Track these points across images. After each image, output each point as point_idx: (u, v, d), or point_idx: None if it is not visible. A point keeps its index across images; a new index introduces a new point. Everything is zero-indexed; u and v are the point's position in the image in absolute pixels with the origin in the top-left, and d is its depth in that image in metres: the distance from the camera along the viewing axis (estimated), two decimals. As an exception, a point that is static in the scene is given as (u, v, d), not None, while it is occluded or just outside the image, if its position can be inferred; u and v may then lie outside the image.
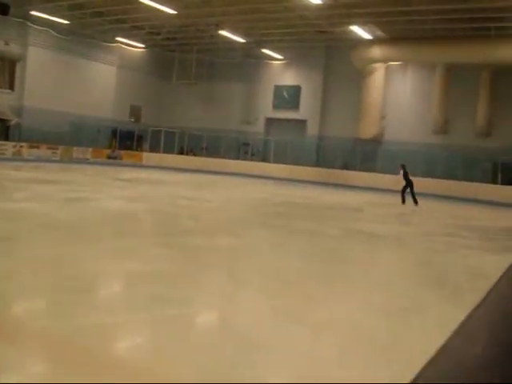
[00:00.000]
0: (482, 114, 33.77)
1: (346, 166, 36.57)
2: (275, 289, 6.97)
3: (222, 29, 33.67)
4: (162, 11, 30.20)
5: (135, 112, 43.94)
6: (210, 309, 6.08)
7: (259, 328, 5.26)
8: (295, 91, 41.02)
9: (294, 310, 6.02)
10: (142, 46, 42.25)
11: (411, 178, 23.25)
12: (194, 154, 42.23)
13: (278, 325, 5.43)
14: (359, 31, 31.51)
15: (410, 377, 4.00)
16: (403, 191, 23.26)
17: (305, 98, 40.59)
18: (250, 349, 4.65)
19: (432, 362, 1.86)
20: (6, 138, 34.28)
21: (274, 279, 7.54)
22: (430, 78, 35.39)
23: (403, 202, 23.11)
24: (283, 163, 37.50)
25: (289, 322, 5.54)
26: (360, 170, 35.23)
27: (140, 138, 42.79)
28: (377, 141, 36.68)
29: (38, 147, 33.95)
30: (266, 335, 5.06)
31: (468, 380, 1.70)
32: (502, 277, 5.16)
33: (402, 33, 32.79)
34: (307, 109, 40.32)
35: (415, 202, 22.78)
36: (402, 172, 23.40)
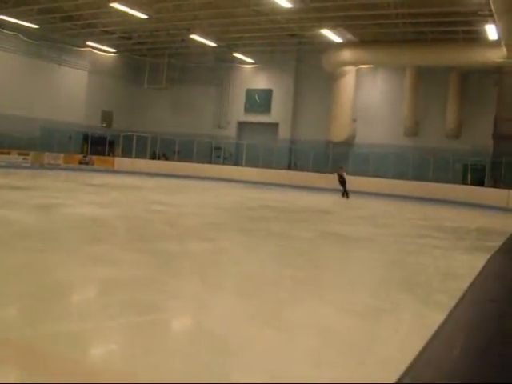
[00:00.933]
0: (451, 116, 34.20)
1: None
2: (249, 293, 7.00)
3: (194, 33, 33.64)
4: (133, 16, 30.07)
5: (107, 117, 43.66)
6: (185, 314, 6.09)
7: (233, 332, 5.27)
8: (267, 95, 41.10)
9: (268, 313, 6.05)
10: (113, 50, 42.00)
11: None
12: (167, 159, 42.08)
13: (253, 329, 5.45)
14: (330, 35, 31.67)
15: (384, 378, 4.05)
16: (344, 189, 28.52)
17: (276, 102, 40.69)
18: (225, 353, 4.66)
19: (411, 367, 1.89)
20: (-25, 145, 33.89)
21: (248, 283, 7.56)
22: (400, 80, 35.77)
23: (347, 195, 28.17)
24: (255, 167, 37.58)
25: (263, 326, 5.56)
26: (332, 172, 35.39)
27: (112, 143, 42.50)
28: (348, 143, 36.93)
29: (8, 153, 33.60)
30: (240, 339, 5.08)
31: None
32: (476, 277, 5.22)
33: (372, 36, 33.04)
34: (279, 112, 40.42)
35: (346, 195, 28.22)
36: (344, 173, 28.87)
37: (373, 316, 6.32)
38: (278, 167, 37.49)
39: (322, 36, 32.22)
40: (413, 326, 6.04)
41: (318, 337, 5.37)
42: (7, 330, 4.85)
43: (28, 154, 34.80)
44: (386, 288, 7.88)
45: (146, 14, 29.83)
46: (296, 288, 7.45)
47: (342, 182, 28.49)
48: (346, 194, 28.27)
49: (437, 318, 5.60)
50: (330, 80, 36.47)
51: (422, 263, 10.13)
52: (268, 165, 37.80)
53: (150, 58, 42.89)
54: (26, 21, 33.27)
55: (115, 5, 28.22)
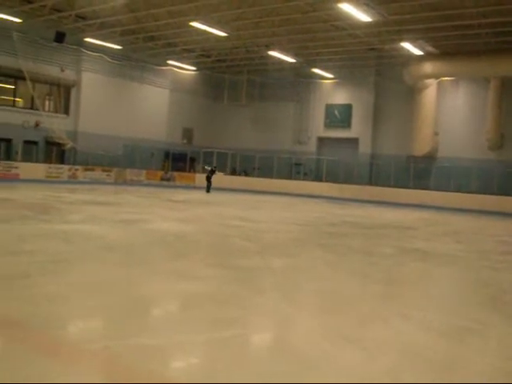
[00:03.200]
0: (538, 128, 33.11)
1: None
2: (330, 309, 6.92)
3: (273, 49, 33.87)
4: (213, 34, 30.56)
5: (187, 134, 44.44)
6: (266, 330, 6.06)
7: (314, 348, 5.20)
8: (346, 110, 40.92)
9: (349, 330, 5.95)
10: (193, 68, 42.74)
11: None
12: (247, 175, 42.41)
13: (333, 345, 5.37)
14: (410, 47, 31.25)
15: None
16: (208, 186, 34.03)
17: (356, 117, 40.45)
18: (304, 368, 4.60)
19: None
20: (62, 162, 35.13)
21: (329, 299, 7.47)
22: (484, 92, 34.91)
23: (208, 191, 33.61)
24: (336, 182, 37.38)
25: (344, 343, 5.48)
26: (413, 187, 34.88)
27: (192, 160, 43.24)
28: (431, 157, 36.24)
29: (92, 170, 34.68)
30: (320, 355, 5.00)
31: None
32: None
33: (454, 48, 32.41)
34: (359, 127, 40.16)
35: (208, 191, 33.70)
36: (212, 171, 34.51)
37: (457, 336, 6.11)
38: (359, 182, 37.22)
39: (401, 49, 31.84)
40: (501, 347, 5.81)
41: (398, 355, 5.24)
42: (92, 342, 4.95)
43: (111, 171, 35.77)
44: (471, 306, 7.63)
45: (225, 32, 30.25)
46: (377, 305, 7.31)
47: (209, 179, 34.00)
48: (208, 189, 33.80)
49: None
50: (411, 93, 35.99)
51: (509, 281, 9.78)
52: (348, 180, 37.58)
53: (230, 75, 43.43)
54: (109, 42, 34.39)
55: (195, 24, 28.74)
